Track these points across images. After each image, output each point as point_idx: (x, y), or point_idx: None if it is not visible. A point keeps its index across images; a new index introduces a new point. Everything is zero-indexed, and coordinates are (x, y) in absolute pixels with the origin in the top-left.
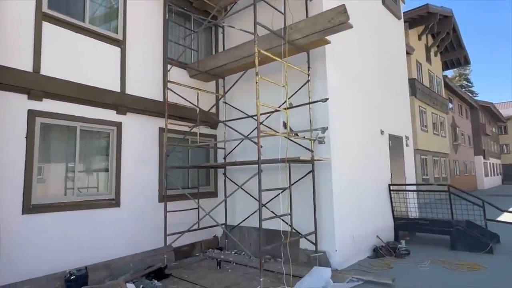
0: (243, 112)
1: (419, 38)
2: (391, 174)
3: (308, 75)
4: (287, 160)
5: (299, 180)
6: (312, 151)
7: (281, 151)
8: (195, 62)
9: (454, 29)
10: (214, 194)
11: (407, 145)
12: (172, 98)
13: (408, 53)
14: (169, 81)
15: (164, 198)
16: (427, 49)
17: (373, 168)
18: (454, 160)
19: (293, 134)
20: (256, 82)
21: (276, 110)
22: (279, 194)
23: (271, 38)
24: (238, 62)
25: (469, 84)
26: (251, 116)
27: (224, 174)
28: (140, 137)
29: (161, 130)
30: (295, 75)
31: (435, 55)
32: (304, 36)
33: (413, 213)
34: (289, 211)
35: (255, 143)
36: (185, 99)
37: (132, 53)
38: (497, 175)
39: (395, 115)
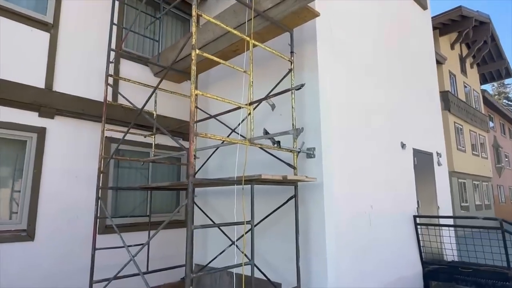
0: (219, 121)
1: (452, 47)
2: (418, 202)
3: (291, 62)
4: (246, 179)
5: (278, 208)
6: (294, 168)
7: (265, 166)
8: (156, 56)
9: (492, 37)
10: (183, 223)
11: (439, 164)
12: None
13: (439, 63)
14: (110, 75)
15: (95, 228)
16: (462, 60)
17: (391, 193)
18: (498, 185)
19: (274, 145)
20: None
21: (237, 108)
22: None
23: (237, 12)
24: (205, 51)
25: (510, 103)
26: (211, 116)
27: (189, 197)
28: (74, 148)
29: (108, 140)
30: (280, 66)
31: (471, 67)
32: (277, 3)
33: (450, 254)
34: (260, 253)
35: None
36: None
37: (67, 40)
38: None
39: (422, 126)
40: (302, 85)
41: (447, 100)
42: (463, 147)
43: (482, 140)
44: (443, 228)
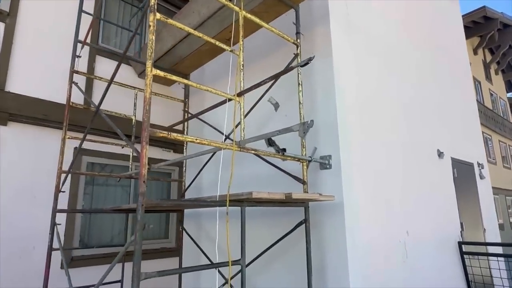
0: (214, 127)
1: (475, 52)
2: (462, 224)
3: (297, 45)
4: (232, 200)
5: (282, 238)
6: (304, 183)
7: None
8: (138, 52)
9: None
10: (174, 252)
11: (481, 177)
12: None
13: None
14: (76, 72)
15: (47, 263)
16: (486, 66)
17: (429, 214)
18: None
19: (280, 153)
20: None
21: (223, 102)
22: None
23: None
24: (191, 41)
25: None
26: (192, 115)
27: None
28: (33, 161)
29: (79, 151)
30: (285, 56)
31: (496, 73)
32: None
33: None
34: None
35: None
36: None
37: (27, 32)
38: None
39: (460, 132)
40: (310, 59)
41: None
42: (494, 159)
43: None
44: (498, 258)
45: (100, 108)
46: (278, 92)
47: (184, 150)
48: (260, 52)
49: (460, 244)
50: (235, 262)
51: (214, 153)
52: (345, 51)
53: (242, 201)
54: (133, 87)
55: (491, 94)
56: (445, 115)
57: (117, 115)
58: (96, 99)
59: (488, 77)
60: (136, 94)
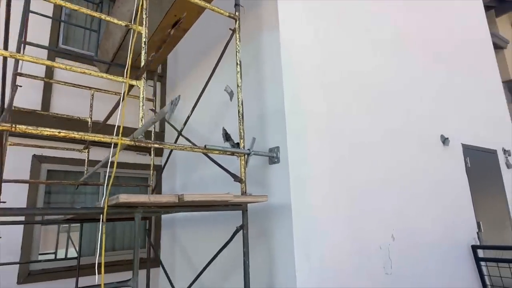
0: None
1: None
2: (479, 223)
3: (236, 19)
4: (109, 207)
5: (224, 247)
6: (241, 181)
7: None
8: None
9: None
10: (154, 263)
11: (508, 165)
12: (59, 106)
13: (499, 47)
14: (18, 74)
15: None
16: None
17: (431, 213)
18: None
19: (235, 147)
20: None
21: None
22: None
23: None
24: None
25: None
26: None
27: (146, 229)
28: None
29: (37, 159)
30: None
31: None
32: None
33: None
34: None
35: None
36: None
37: None
38: None
39: (477, 114)
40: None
41: None
42: None
43: None
44: None
45: (54, 112)
46: (229, 79)
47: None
48: (206, 34)
49: (474, 248)
50: (121, 284)
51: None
52: (301, 24)
53: (136, 207)
54: (89, 87)
55: None
56: (457, 97)
57: (68, 117)
58: (56, 103)
59: None
60: (93, 95)
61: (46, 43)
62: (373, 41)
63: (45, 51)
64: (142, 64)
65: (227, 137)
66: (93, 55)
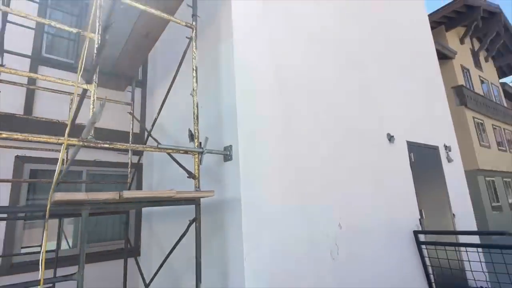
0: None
1: (462, 42)
2: (421, 211)
3: (192, 28)
4: (54, 204)
5: (181, 238)
6: (194, 178)
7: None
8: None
9: (506, 28)
10: (133, 252)
11: (449, 160)
12: (42, 111)
13: (448, 57)
14: None
15: None
16: (475, 54)
17: (377, 203)
18: None
19: (200, 146)
20: None
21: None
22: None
23: None
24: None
25: None
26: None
27: (124, 222)
28: None
29: (21, 160)
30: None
31: (486, 60)
32: None
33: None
34: None
35: None
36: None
37: None
38: None
39: (421, 116)
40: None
41: (462, 95)
42: (487, 143)
43: (509, 135)
44: (459, 247)
45: (36, 116)
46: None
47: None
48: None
49: (416, 233)
50: (66, 278)
51: (142, 154)
52: (254, 35)
53: (82, 204)
54: (69, 93)
55: (482, 81)
56: (403, 101)
57: (47, 121)
58: (39, 108)
59: (477, 65)
60: (72, 99)
61: (29, 52)
62: (323, 51)
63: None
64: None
65: (192, 137)
66: (73, 62)
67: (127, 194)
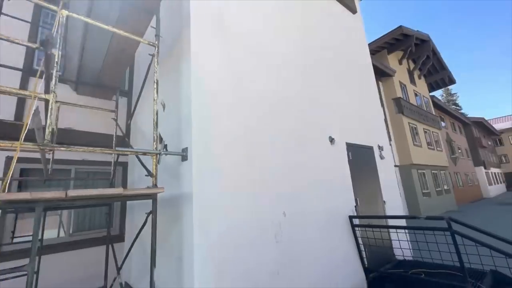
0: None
1: (400, 63)
2: (356, 200)
3: (155, 47)
4: (7, 202)
5: (140, 230)
6: (152, 176)
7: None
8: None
9: (434, 53)
10: (120, 237)
11: (382, 157)
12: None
13: (389, 75)
14: None
15: None
16: (410, 73)
17: (320, 194)
18: (455, 172)
19: (164, 149)
20: None
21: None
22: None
23: None
24: (90, 53)
25: (458, 107)
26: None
27: (106, 213)
28: None
29: (10, 160)
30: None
31: (419, 78)
32: None
33: (400, 255)
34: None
35: None
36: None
37: None
38: (501, 183)
39: (359, 121)
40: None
41: (400, 105)
42: (419, 143)
43: (436, 137)
44: (390, 228)
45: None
46: (165, 93)
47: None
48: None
49: (350, 218)
50: (13, 270)
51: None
52: (209, 49)
53: (36, 202)
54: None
55: (416, 94)
56: (342, 108)
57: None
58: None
59: (412, 81)
60: (59, 107)
61: (21, 65)
62: (268, 64)
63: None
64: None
65: (160, 140)
66: (61, 74)
67: (72, 192)
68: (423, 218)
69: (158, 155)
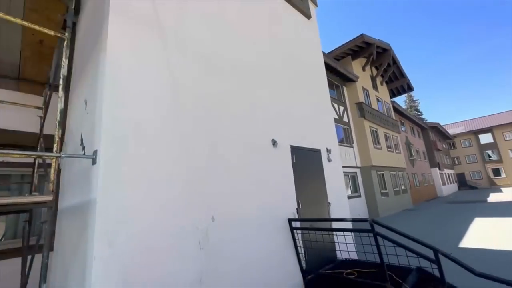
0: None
1: (363, 69)
2: (298, 202)
3: (65, 39)
4: None
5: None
6: (50, 181)
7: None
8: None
9: (394, 61)
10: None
11: (329, 160)
12: None
13: (353, 80)
14: None
15: None
16: (373, 79)
17: (256, 197)
18: (413, 173)
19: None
20: None
21: None
22: None
23: None
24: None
25: (419, 113)
26: None
27: (25, 220)
28: None
29: None
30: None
31: (381, 84)
32: None
33: (349, 254)
34: None
35: None
36: None
37: None
38: (453, 183)
39: (307, 124)
40: None
41: (362, 109)
42: (379, 146)
43: (395, 140)
44: (321, 231)
45: None
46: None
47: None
48: None
49: (290, 220)
50: None
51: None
52: (126, 47)
53: None
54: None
55: (378, 100)
56: (289, 112)
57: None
58: None
59: (374, 87)
60: None
61: None
62: (210, 65)
63: None
64: None
65: (81, 141)
66: None
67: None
68: (350, 220)
69: (58, 159)
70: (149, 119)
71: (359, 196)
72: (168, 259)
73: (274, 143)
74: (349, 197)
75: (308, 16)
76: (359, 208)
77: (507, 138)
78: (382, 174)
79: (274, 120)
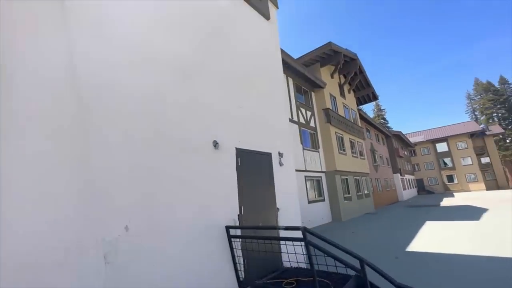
0: None
1: (332, 76)
2: (241, 207)
3: None
4: None
5: None
6: None
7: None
8: None
9: (360, 70)
10: None
11: (281, 164)
12: None
13: (320, 87)
14: None
15: None
16: (340, 86)
17: (191, 204)
18: (376, 178)
19: None
20: None
21: None
22: None
23: None
24: None
25: (386, 121)
26: None
27: None
28: None
29: None
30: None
31: (349, 92)
32: None
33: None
34: None
35: None
36: None
37: None
38: (413, 188)
39: (257, 127)
40: None
41: (328, 115)
42: (344, 151)
43: (360, 146)
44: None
45: None
46: None
47: None
48: None
49: (227, 228)
50: None
51: None
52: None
53: None
54: None
55: (345, 107)
56: (237, 113)
57: None
58: None
59: (342, 94)
60: None
61: None
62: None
63: None
64: None
65: None
66: None
67: None
68: (283, 228)
69: None
70: (45, 109)
71: (323, 200)
72: (57, 277)
73: (215, 144)
74: (313, 201)
75: (267, 17)
76: (322, 212)
77: (459, 148)
78: (346, 179)
79: (218, 120)
